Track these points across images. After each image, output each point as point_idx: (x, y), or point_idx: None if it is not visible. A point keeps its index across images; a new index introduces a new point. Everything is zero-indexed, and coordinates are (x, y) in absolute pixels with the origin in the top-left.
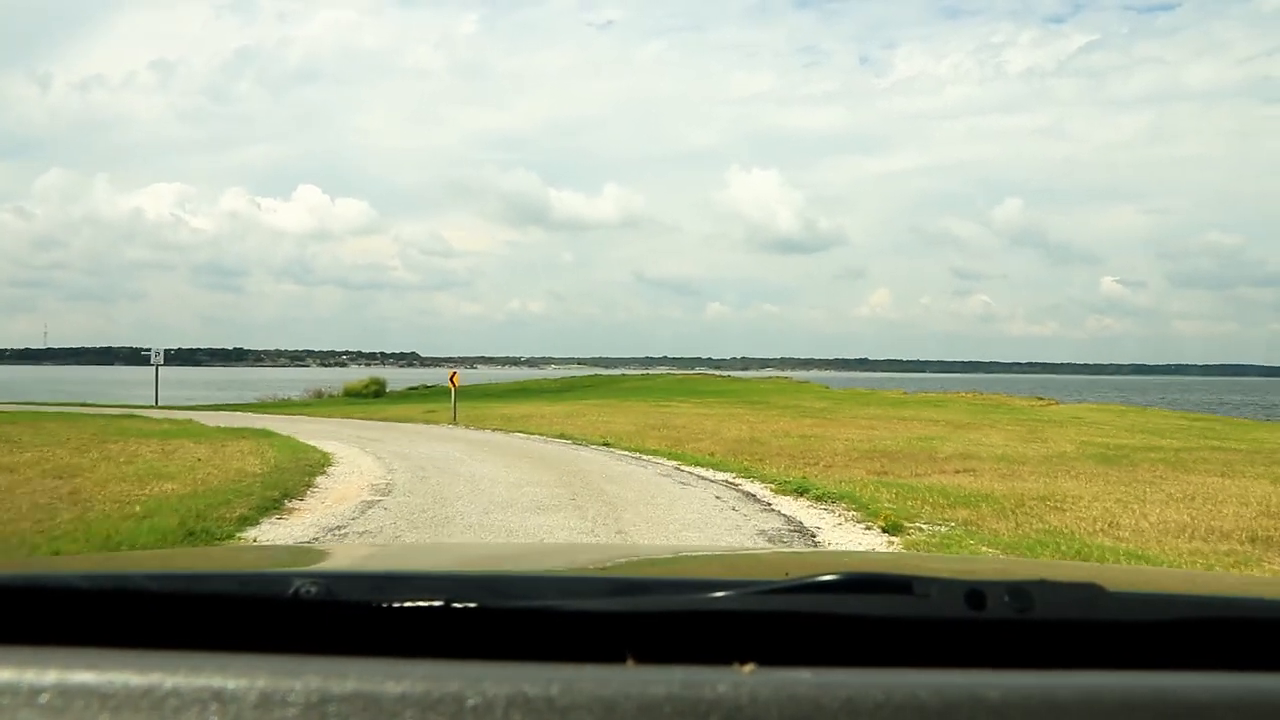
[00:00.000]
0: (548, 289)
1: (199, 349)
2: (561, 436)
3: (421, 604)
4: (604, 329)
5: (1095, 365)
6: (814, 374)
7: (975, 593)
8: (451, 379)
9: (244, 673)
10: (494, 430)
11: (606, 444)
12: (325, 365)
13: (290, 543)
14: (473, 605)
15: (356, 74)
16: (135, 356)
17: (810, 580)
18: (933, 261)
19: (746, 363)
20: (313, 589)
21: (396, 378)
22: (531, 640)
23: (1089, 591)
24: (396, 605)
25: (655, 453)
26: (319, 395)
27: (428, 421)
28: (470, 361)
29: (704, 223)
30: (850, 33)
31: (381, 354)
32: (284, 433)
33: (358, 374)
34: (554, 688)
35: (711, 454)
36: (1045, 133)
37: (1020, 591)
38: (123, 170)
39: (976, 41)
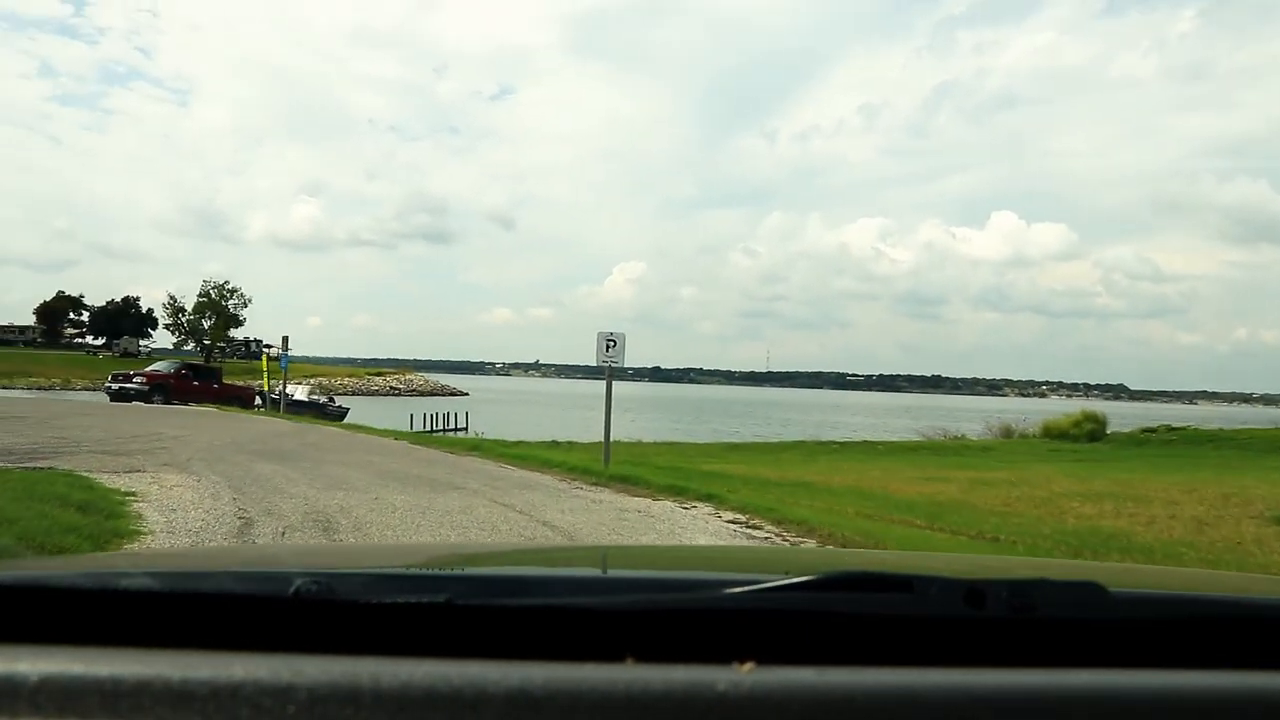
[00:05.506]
0: None
1: (899, 375)
2: None
3: (422, 602)
4: None
5: None
6: None
7: (975, 592)
8: None
9: (244, 671)
10: None
11: None
12: (1023, 395)
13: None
14: (473, 604)
15: (1056, 93)
16: (841, 381)
17: (810, 579)
18: None
19: None
20: (313, 587)
21: (1109, 413)
22: (531, 639)
23: (1089, 591)
24: (397, 603)
25: None
26: (1008, 433)
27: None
28: (1189, 396)
29: None
30: None
31: (1085, 385)
32: None
33: (1059, 407)
34: (553, 686)
35: None
36: None
37: (1020, 590)
38: (832, 209)
39: None
